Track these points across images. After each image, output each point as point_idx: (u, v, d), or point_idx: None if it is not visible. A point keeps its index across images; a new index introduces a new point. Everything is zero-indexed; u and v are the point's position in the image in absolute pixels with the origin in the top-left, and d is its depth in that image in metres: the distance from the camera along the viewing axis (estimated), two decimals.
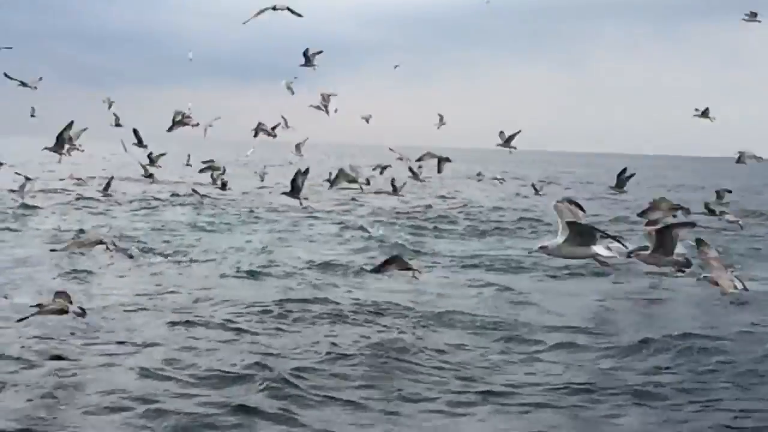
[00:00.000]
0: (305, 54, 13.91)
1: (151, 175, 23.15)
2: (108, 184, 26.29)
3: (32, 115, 17.51)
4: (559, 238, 7.67)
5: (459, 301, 13.17)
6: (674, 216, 10.65)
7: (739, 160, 17.44)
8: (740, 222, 20.65)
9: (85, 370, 8.78)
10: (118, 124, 17.71)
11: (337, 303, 12.65)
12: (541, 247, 8.37)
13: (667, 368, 9.46)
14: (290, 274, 15.27)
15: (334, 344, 10.12)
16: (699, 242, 8.76)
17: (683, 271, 9.35)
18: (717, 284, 8.51)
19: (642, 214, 10.16)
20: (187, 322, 11.07)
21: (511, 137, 15.27)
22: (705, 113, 16.49)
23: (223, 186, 21.97)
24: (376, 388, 8.57)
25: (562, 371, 9.33)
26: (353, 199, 30.72)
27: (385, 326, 11.25)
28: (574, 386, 8.66)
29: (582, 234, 7.42)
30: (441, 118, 19.92)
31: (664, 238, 8.56)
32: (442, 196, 35.69)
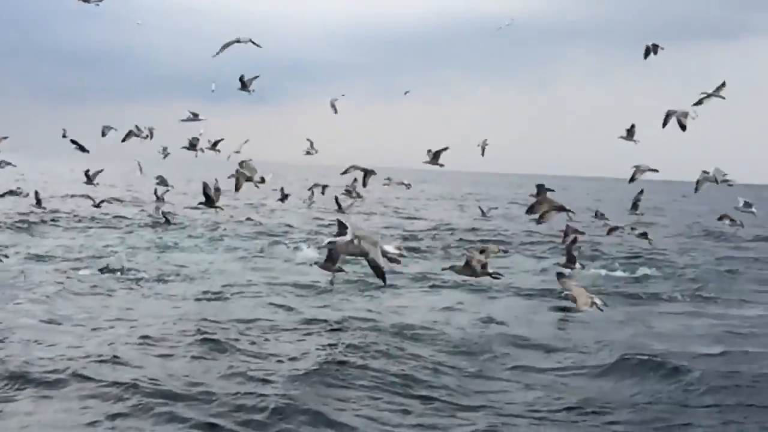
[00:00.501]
0: (241, 79, 14.04)
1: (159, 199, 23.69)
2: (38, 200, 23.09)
3: (64, 136, 16.99)
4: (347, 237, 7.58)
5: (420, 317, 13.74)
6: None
7: (698, 186, 17.24)
8: (649, 237, 20.14)
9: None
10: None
11: (305, 319, 13.14)
12: (330, 242, 8.41)
13: (634, 389, 9.89)
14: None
15: (295, 359, 10.51)
16: (559, 275, 11.07)
17: (497, 277, 10.40)
18: (575, 301, 9.73)
19: (528, 211, 10.51)
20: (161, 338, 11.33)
21: (438, 153, 15.14)
22: (630, 133, 14.60)
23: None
24: (341, 401, 8.87)
25: (518, 389, 9.71)
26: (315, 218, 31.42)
27: (347, 343, 11.55)
28: (535, 407, 9.02)
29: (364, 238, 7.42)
30: (311, 144, 18.77)
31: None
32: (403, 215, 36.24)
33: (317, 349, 11.18)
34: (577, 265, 14.70)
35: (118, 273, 17.22)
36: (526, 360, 11.03)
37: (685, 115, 12.56)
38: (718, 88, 12.96)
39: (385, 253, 7.78)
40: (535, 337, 12.43)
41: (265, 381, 9.43)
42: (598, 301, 9.95)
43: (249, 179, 12.70)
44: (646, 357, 10.85)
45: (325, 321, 13.10)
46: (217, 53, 12.25)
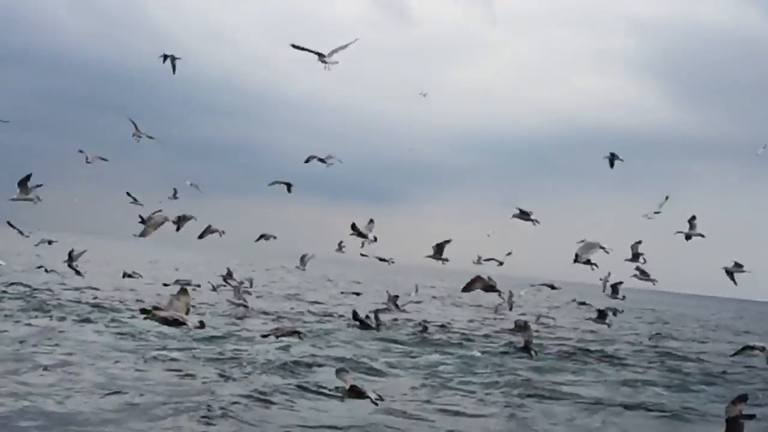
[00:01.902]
0: (313, 157, 14.44)
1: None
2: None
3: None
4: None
5: None
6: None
7: None
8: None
9: None
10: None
11: None
12: None
13: None
14: None
15: None
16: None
17: None
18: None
19: (464, 290, 11.01)
20: None
21: (441, 247, 13.93)
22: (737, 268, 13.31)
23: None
24: None
25: None
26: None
27: None
28: None
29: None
30: (439, 249, 17.62)
31: None
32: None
33: None
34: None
35: None
36: None
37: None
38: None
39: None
40: None
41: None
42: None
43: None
44: None
45: None
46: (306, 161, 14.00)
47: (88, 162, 14.67)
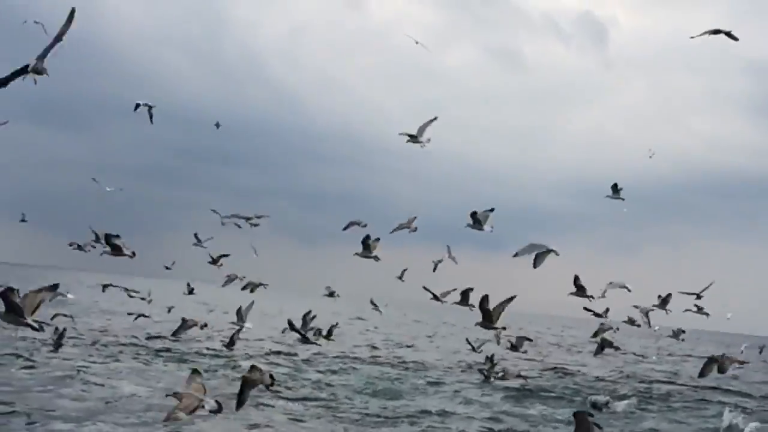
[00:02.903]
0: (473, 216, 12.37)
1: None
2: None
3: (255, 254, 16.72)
4: None
5: None
6: None
7: None
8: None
9: None
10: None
11: None
12: None
13: None
14: None
15: None
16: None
17: None
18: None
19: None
20: None
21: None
22: None
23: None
24: None
25: None
26: None
27: None
28: None
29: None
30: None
31: None
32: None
33: None
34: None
35: None
36: None
37: None
38: None
39: None
40: None
41: None
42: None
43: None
44: None
45: None
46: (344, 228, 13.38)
47: (223, 224, 15.36)
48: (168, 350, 25.72)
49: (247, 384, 8.57)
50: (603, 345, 16.60)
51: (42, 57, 7.28)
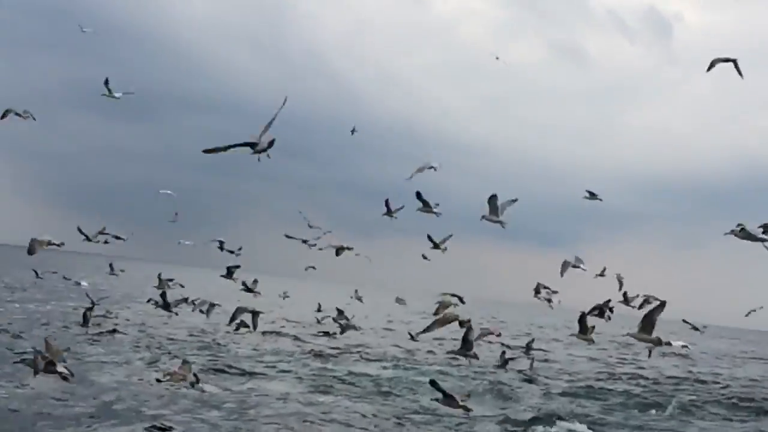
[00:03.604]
0: (387, 204, 13.29)
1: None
2: None
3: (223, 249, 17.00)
4: None
5: None
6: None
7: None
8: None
9: None
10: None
11: None
12: None
13: None
14: None
15: None
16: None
17: None
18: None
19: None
20: None
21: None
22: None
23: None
24: None
25: None
26: None
27: None
28: None
29: None
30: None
31: None
32: None
33: None
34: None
35: None
36: None
37: None
38: None
39: None
40: None
41: None
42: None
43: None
44: None
45: None
46: (410, 177, 12.04)
47: (311, 246, 15.61)
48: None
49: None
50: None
51: (262, 134, 7.90)
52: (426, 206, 12.33)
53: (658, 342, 10.44)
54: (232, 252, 16.25)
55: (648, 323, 9.97)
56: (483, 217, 11.11)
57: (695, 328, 16.43)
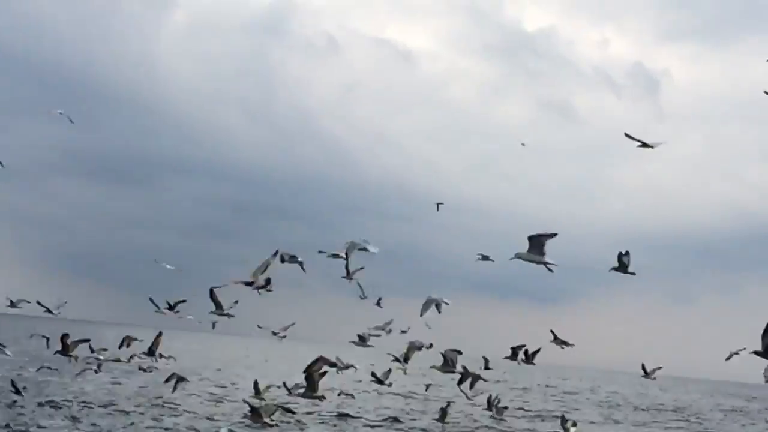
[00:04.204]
0: (346, 267, 12.22)
1: None
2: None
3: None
4: None
5: None
6: None
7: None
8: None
9: None
10: None
11: None
12: None
13: None
14: None
15: None
16: None
17: None
18: None
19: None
20: None
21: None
22: None
23: None
24: None
25: None
26: None
27: None
28: None
29: None
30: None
31: None
32: None
33: None
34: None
35: None
36: None
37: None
38: None
39: None
40: None
41: None
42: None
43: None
44: None
45: None
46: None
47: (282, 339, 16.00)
48: None
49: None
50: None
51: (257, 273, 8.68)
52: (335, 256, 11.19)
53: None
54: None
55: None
56: (517, 255, 9.76)
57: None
